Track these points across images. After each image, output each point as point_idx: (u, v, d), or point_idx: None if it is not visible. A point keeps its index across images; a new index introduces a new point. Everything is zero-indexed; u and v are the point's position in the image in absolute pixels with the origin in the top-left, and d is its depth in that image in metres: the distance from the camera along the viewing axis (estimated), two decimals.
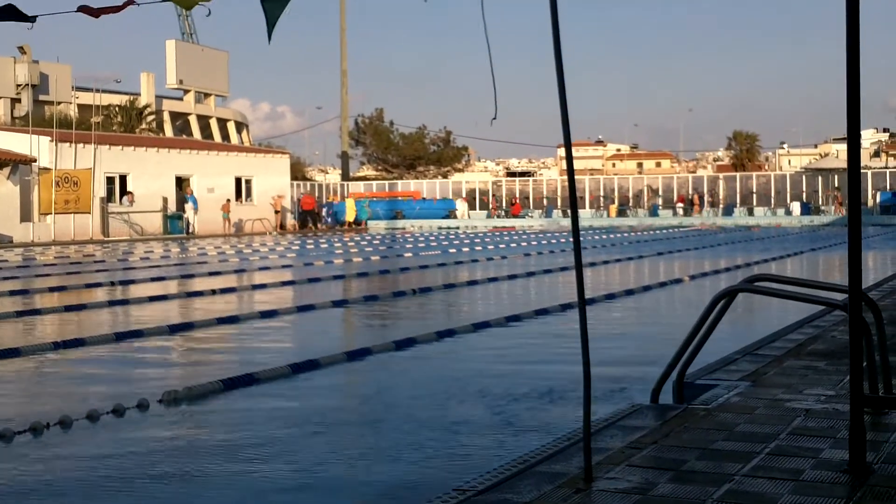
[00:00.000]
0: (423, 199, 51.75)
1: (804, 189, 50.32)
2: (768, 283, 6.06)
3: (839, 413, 4.95)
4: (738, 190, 51.38)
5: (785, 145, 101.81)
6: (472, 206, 52.13)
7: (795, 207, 47.34)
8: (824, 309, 8.74)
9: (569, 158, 4.09)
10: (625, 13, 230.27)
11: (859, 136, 4.02)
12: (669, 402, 5.47)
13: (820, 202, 48.87)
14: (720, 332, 5.69)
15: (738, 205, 49.96)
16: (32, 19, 6.90)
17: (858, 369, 4.04)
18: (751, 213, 48.28)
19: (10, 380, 7.92)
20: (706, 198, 51.20)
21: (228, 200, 41.48)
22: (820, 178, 50.89)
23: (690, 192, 51.79)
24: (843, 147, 77.75)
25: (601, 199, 52.85)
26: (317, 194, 51.37)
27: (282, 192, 44.82)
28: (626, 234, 34.93)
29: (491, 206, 52.83)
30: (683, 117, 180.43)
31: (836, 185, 48.93)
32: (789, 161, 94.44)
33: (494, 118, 4.70)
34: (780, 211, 48.01)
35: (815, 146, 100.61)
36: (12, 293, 14.94)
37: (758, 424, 4.80)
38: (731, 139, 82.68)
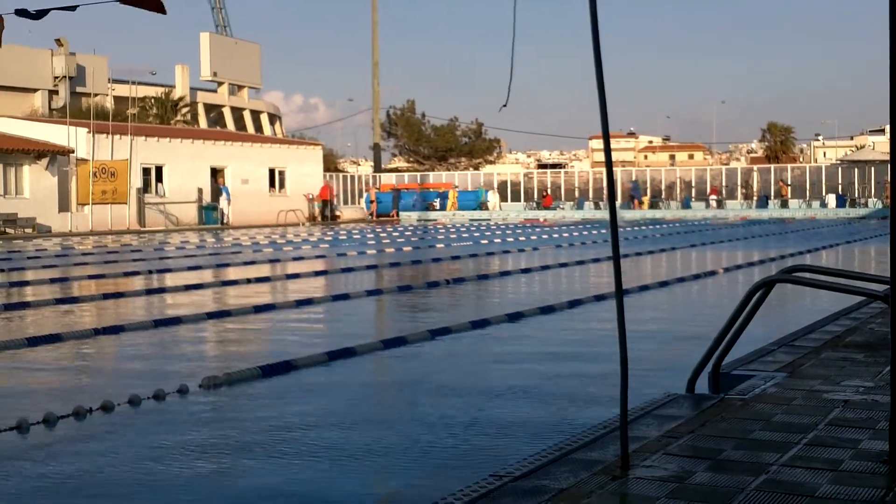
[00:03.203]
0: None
1: (840, 181, 49.70)
2: (806, 274, 6.02)
3: (878, 404, 4.93)
4: (772, 182, 50.84)
5: (820, 137, 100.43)
6: (503, 198, 52.05)
7: (831, 200, 46.81)
8: (862, 301, 8.67)
9: (607, 152, 4.11)
10: (658, 5, 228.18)
11: None
12: (705, 392, 5.47)
13: (856, 194, 48.26)
14: (756, 323, 5.67)
15: (772, 197, 49.47)
16: (73, 8, 7.03)
17: None
18: (785, 205, 47.78)
19: (52, 365, 8.08)
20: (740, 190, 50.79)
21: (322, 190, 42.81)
22: (856, 170, 50.20)
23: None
24: (880, 139, 76.43)
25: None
26: (345, 185, 51.61)
27: (314, 184, 45.16)
28: (665, 226, 34.74)
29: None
30: (716, 109, 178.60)
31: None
32: (824, 153, 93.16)
33: (504, 105, 4.74)
34: (815, 203, 47.47)
35: (851, 138, 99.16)
36: (52, 281, 15.21)
37: (795, 415, 4.78)
38: (765, 131, 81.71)
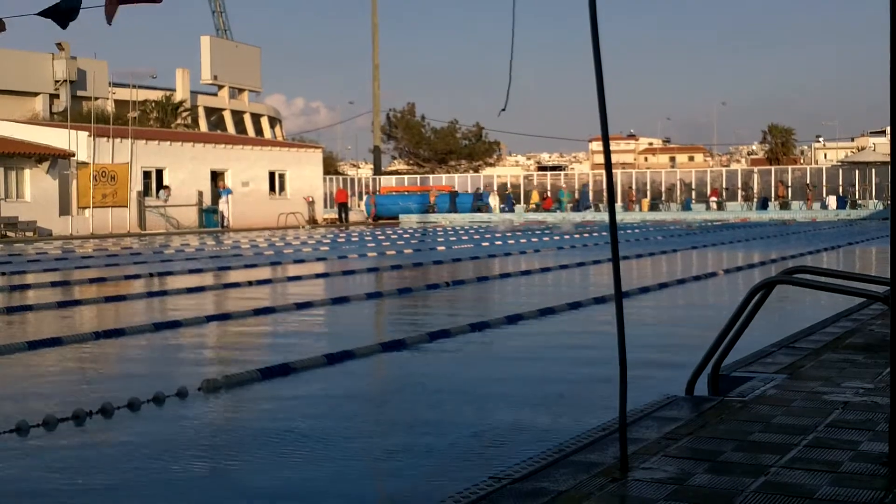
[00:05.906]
0: (456, 192, 51.74)
1: (840, 183, 49.70)
2: (806, 276, 6.02)
3: (878, 406, 4.92)
4: (772, 184, 50.84)
5: (821, 139, 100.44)
6: (502, 200, 52.06)
7: (831, 201, 46.81)
8: (862, 302, 8.66)
9: (606, 154, 4.10)
10: (658, 7, 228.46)
11: None
12: (705, 394, 5.46)
13: (857, 196, 48.24)
14: (755, 325, 5.66)
15: (772, 199, 49.47)
16: (65, 25, 6.97)
17: None
18: (785, 206, 47.77)
19: (52, 368, 8.08)
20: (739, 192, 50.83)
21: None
22: (857, 171, 50.20)
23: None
24: (881, 140, 76.50)
25: (633, 192, 52.55)
26: (349, 188, 51.65)
27: (314, 187, 45.26)
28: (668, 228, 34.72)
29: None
30: (716, 111, 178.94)
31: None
32: (825, 155, 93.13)
33: (503, 109, 4.74)
34: (816, 205, 47.46)
35: (852, 139, 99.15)
36: (53, 284, 15.21)
37: (795, 417, 4.77)
38: (765, 133, 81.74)
